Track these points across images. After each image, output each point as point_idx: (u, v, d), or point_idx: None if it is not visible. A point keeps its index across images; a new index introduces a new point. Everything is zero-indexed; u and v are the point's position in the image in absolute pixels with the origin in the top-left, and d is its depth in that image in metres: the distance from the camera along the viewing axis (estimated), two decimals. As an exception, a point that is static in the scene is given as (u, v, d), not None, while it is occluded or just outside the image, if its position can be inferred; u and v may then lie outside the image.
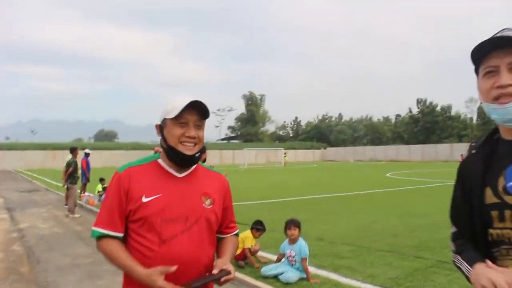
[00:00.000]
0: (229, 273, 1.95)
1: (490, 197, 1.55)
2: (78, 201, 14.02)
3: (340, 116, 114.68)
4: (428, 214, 11.76)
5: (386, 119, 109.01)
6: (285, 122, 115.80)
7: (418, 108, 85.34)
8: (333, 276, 6.14)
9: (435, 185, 21.82)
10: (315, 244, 7.84)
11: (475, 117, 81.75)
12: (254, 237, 7.01)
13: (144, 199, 1.98)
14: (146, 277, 1.85)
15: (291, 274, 5.91)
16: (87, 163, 16.75)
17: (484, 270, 1.45)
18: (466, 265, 1.58)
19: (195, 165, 2.15)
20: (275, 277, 6.03)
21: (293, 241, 6.26)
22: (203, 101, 2.02)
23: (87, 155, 17.17)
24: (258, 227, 7.08)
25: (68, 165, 13.72)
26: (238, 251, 6.65)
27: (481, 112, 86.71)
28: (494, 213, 1.54)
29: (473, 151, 1.67)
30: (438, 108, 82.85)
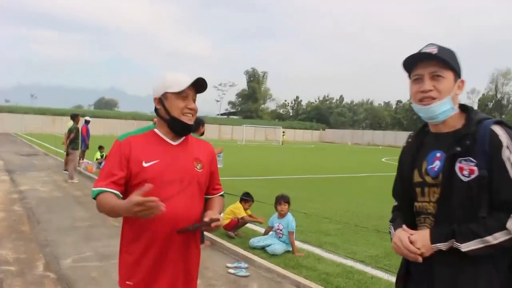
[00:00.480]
0: (218, 220, 2.26)
1: (416, 177, 2.01)
2: (77, 167, 14.33)
3: (341, 98, 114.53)
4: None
5: (387, 104, 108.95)
6: (286, 101, 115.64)
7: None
8: (317, 250, 6.51)
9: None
10: (303, 220, 8.20)
11: (476, 107, 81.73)
12: (244, 208, 7.41)
13: (144, 164, 2.24)
14: (128, 203, 1.93)
15: (277, 247, 6.26)
16: (87, 130, 17.03)
17: (398, 232, 1.95)
18: (393, 231, 2.05)
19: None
20: (263, 248, 6.40)
21: (282, 215, 6.60)
22: (204, 78, 2.32)
23: (87, 122, 17.45)
24: (246, 198, 7.53)
25: (70, 131, 13.97)
26: (227, 221, 7.06)
27: (482, 103, 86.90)
28: (418, 190, 2.00)
29: (409, 140, 2.14)
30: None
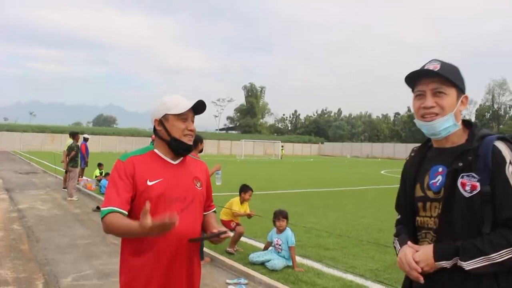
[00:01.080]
0: (226, 232, 2.38)
1: (418, 191, 2.01)
2: (76, 185, 14.32)
3: (339, 111, 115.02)
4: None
5: (385, 116, 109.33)
6: (284, 115, 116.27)
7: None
8: (317, 265, 6.50)
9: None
10: (303, 235, 8.19)
11: (473, 119, 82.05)
12: (245, 199, 7.64)
13: (149, 183, 2.30)
14: (139, 227, 2.01)
15: (277, 262, 6.26)
16: (86, 148, 17.09)
17: (403, 248, 1.95)
18: (398, 246, 2.05)
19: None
20: (262, 264, 6.39)
21: (280, 230, 6.60)
22: (204, 100, 2.42)
23: (86, 140, 17.51)
24: (245, 189, 7.70)
25: (71, 149, 13.95)
26: (227, 218, 7.41)
27: (479, 114, 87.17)
28: (420, 204, 2.00)
29: (412, 154, 2.16)
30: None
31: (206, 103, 2.46)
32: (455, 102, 1.91)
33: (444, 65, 1.92)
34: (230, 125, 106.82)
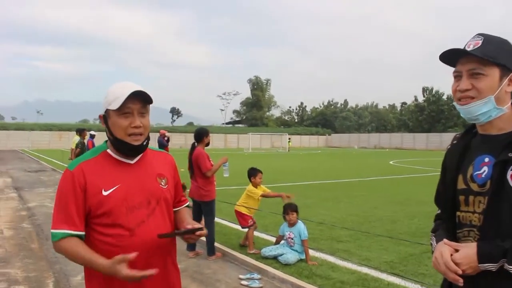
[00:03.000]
0: (202, 229, 2.08)
1: (460, 183, 1.79)
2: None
3: (346, 102, 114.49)
4: (428, 202, 11.91)
5: (392, 106, 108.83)
6: (290, 107, 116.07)
7: (424, 96, 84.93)
8: (330, 258, 6.39)
9: (438, 173, 21.94)
10: (315, 228, 8.08)
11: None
12: (257, 184, 7.25)
13: (104, 192, 1.98)
14: (108, 268, 1.84)
15: (290, 256, 6.15)
16: (93, 145, 17.01)
17: (440, 245, 1.73)
18: (434, 243, 1.84)
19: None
20: (275, 258, 6.28)
21: (292, 224, 6.49)
22: (144, 89, 2.02)
23: (92, 136, 17.44)
24: (253, 172, 7.32)
25: (78, 145, 13.97)
26: (244, 210, 7.04)
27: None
28: (462, 198, 1.78)
29: (455, 142, 1.92)
30: (444, 97, 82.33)
31: (145, 91, 2.02)
32: (496, 83, 1.68)
33: (487, 40, 1.70)
34: (237, 119, 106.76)
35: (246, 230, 7.09)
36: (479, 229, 1.69)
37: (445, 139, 64.92)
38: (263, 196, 7.22)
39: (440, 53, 1.78)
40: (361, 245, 7.18)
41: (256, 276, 5.75)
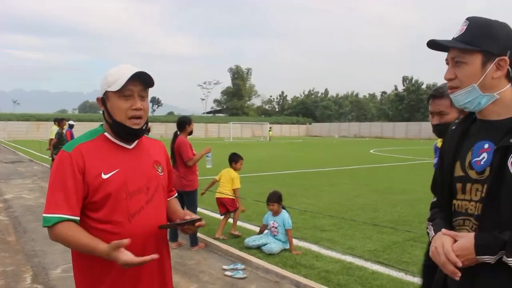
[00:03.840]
0: (200, 219, 2.06)
1: (458, 170, 1.72)
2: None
3: (326, 92, 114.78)
4: (409, 190, 12.06)
5: (372, 96, 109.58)
6: (271, 96, 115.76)
7: (404, 86, 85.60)
8: (314, 247, 6.35)
9: (417, 162, 22.20)
10: (298, 217, 8.03)
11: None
12: (237, 169, 7.29)
13: (104, 176, 1.91)
14: (106, 254, 1.79)
15: (274, 245, 6.09)
16: (72, 135, 16.69)
17: (439, 235, 1.65)
18: (432, 232, 1.76)
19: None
20: (258, 248, 6.22)
21: (276, 213, 6.42)
22: (146, 71, 1.97)
23: (71, 126, 17.11)
24: (235, 158, 7.35)
25: (56, 135, 13.70)
26: (226, 193, 7.04)
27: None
28: (459, 185, 1.71)
29: (453, 127, 1.84)
30: (424, 87, 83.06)
31: (148, 73, 1.97)
32: (479, 70, 1.60)
33: (471, 25, 1.63)
34: (217, 108, 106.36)
35: (222, 217, 7.19)
36: (476, 218, 1.62)
37: (424, 128, 65.62)
38: (236, 193, 7.21)
39: (426, 43, 1.72)
40: (344, 234, 7.16)
41: (240, 266, 5.67)
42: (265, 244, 6.18)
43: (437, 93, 2.72)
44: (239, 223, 7.51)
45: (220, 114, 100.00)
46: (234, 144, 44.61)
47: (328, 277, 5.15)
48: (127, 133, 2.00)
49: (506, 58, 1.60)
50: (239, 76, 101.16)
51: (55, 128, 14.17)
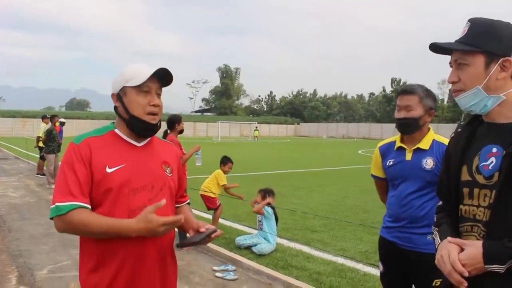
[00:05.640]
0: (216, 230, 2.02)
1: (465, 175, 1.66)
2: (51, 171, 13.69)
3: (315, 92, 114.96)
4: (398, 191, 12.05)
5: (360, 97, 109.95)
6: (259, 96, 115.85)
7: (392, 87, 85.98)
8: (305, 249, 6.30)
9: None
10: (287, 217, 7.98)
11: (446, 99, 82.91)
12: (224, 171, 7.41)
13: (108, 170, 1.91)
14: (136, 225, 1.78)
15: (264, 246, 6.02)
16: (61, 131, 16.49)
17: (445, 243, 1.59)
18: (438, 239, 1.70)
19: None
20: (249, 247, 6.16)
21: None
22: (168, 68, 2.00)
23: (62, 124, 16.92)
24: (224, 160, 7.50)
25: (47, 132, 13.37)
26: (208, 193, 7.11)
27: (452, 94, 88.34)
28: (466, 190, 1.65)
29: (459, 130, 1.78)
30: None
31: (170, 71, 2.01)
32: (482, 71, 1.57)
33: (473, 26, 1.60)
34: (206, 107, 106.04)
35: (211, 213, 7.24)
36: (485, 225, 1.56)
37: (411, 129, 65.56)
38: (225, 187, 7.36)
39: (428, 46, 1.68)
40: (335, 235, 7.11)
41: (230, 267, 5.59)
42: (255, 245, 6.11)
43: (408, 88, 2.81)
44: (228, 223, 7.44)
45: (209, 113, 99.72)
46: (222, 143, 44.50)
47: (320, 279, 5.09)
48: (144, 128, 2.01)
49: (511, 58, 1.56)
50: (227, 75, 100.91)
51: (42, 126, 13.91)
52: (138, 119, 1.97)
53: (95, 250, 1.93)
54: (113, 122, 2.10)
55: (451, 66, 1.67)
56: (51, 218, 1.86)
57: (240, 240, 6.34)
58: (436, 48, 1.66)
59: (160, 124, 2.08)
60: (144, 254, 1.93)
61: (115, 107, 2.05)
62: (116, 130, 2.05)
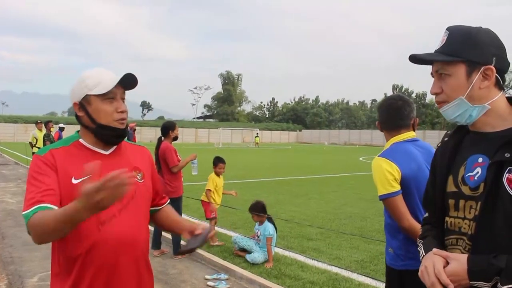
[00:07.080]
0: (210, 229, 1.99)
1: (450, 186, 1.60)
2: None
3: (317, 99, 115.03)
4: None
5: (362, 103, 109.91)
6: (261, 102, 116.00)
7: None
8: (300, 258, 6.22)
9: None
10: (284, 225, 7.91)
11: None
12: (218, 173, 7.18)
13: (74, 181, 1.82)
14: (78, 200, 1.53)
15: (257, 255, 5.96)
16: (60, 137, 16.53)
17: (429, 256, 1.52)
18: (422, 251, 1.64)
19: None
20: (243, 250, 6.21)
21: (261, 222, 6.30)
22: (132, 73, 1.92)
23: (61, 129, 16.98)
24: (214, 161, 7.29)
25: (45, 138, 13.47)
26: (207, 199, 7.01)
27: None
28: (451, 202, 1.59)
29: (445, 139, 1.72)
30: (413, 95, 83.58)
31: (135, 76, 1.94)
32: (464, 81, 1.51)
33: (451, 35, 1.54)
34: (208, 113, 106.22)
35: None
36: (470, 238, 1.50)
37: (413, 136, 65.46)
38: (208, 192, 7.09)
39: (408, 58, 1.63)
40: (331, 243, 7.04)
41: (223, 276, 5.52)
42: (250, 252, 6.06)
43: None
44: (225, 231, 7.38)
45: (210, 120, 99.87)
46: (224, 150, 44.48)
47: (313, 289, 5.02)
48: (114, 135, 1.94)
49: (492, 66, 1.50)
50: (229, 81, 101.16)
51: (34, 132, 13.98)
52: (106, 126, 1.91)
53: (67, 260, 1.85)
54: (78, 131, 2.02)
55: (433, 77, 1.61)
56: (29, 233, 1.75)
57: (238, 238, 6.41)
58: (415, 59, 1.61)
59: (127, 128, 2.04)
60: (118, 265, 1.86)
61: (78, 117, 1.96)
62: (81, 140, 1.97)
